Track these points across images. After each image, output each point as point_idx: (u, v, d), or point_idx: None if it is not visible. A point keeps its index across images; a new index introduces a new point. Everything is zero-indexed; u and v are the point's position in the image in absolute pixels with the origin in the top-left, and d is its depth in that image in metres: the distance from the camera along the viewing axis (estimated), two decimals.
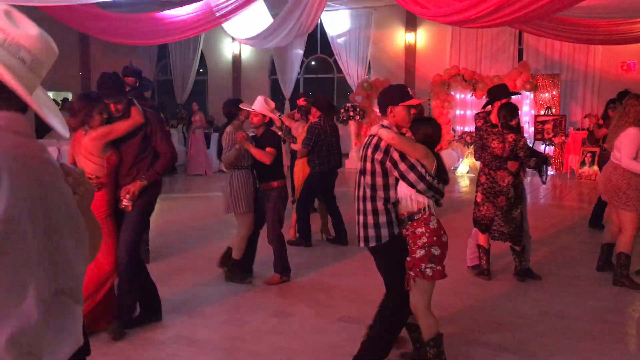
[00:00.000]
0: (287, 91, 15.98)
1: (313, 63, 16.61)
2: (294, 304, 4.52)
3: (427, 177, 3.07)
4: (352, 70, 15.17)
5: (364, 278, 4.95)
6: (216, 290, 4.92)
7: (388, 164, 3.11)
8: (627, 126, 4.85)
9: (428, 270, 3.07)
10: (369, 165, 3.18)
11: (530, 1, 3.83)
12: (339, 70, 15.59)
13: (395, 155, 3.09)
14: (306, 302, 4.55)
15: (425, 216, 3.11)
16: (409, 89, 3.43)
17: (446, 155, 13.00)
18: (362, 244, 3.25)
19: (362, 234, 3.23)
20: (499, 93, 5.15)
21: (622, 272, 4.88)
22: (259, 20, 8.85)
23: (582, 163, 11.27)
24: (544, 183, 5.46)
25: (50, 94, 16.97)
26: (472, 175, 12.40)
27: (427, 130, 3.21)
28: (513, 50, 13.43)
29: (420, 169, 3.07)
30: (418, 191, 3.09)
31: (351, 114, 13.10)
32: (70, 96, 17.90)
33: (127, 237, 3.81)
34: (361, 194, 3.23)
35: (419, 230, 3.10)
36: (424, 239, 3.09)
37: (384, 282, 3.32)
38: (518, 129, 5.02)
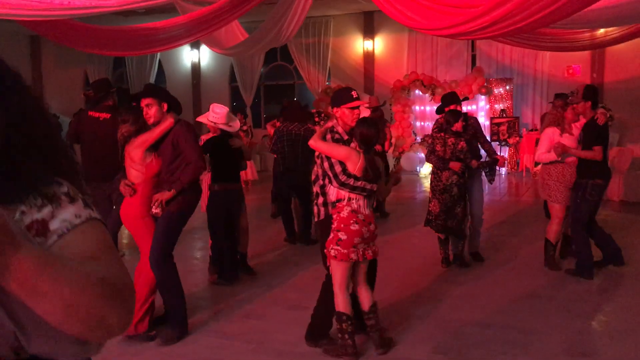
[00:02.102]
0: (248, 98, 16.17)
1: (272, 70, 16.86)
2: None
3: (341, 177, 3.57)
4: (313, 77, 15.53)
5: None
6: (231, 288, 5.18)
7: (319, 160, 3.77)
8: (546, 126, 5.69)
9: (332, 251, 3.61)
10: (314, 157, 3.89)
11: (525, 15, 4.24)
12: (300, 77, 15.91)
13: (323, 155, 3.70)
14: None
15: (340, 205, 3.63)
16: (354, 92, 3.90)
17: (406, 158, 13.55)
18: (315, 218, 3.96)
19: (314, 209, 3.95)
20: (448, 100, 5.93)
21: (548, 256, 5.72)
22: (235, 33, 9.08)
23: (537, 163, 12.02)
24: (490, 182, 6.18)
25: None
26: None
27: (363, 130, 3.65)
28: (467, 57, 14.12)
29: (336, 168, 3.59)
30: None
31: (316, 119, 13.43)
32: None
33: (156, 242, 3.98)
34: (313, 178, 3.94)
35: (334, 216, 3.66)
36: (335, 224, 3.63)
37: None
38: (459, 133, 5.61)
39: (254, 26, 11.71)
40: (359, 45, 15.32)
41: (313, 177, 3.94)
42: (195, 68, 16.92)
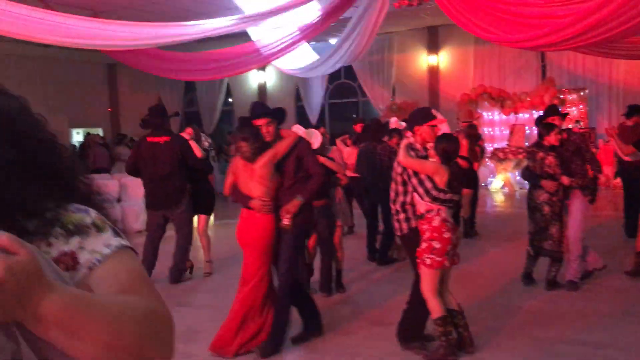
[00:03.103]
0: (313, 117, 16.39)
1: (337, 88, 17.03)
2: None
3: (433, 192, 3.76)
4: (377, 94, 15.59)
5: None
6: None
7: (405, 177, 3.93)
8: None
9: (427, 260, 3.77)
10: (393, 174, 4.07)
11: (614, 25, 4.13)
12: (364, 95, 16.01)
13: (410, 171, 3.88)
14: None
15: (430, 216, 3.80)
16: (433, 110, 4.19)
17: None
18: (397, 232, 4.18)
19: (395, 225, 4.13)
20: (547, 112, 5.68)
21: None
22: (304, 55, 9.29)
23: (616, 174, 11.54)
24: (590, 202, 5.51)
25: (80, 131, 17.27)
26: (506, 190, 12.69)
27: (444, 146, 3.84)
28: (537, 67, 13.81)
29: (427, 185, 3.78)
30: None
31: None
32: (101, 132, 18.39)
33: (287, 256, 4.10)
34: (392, 196, 4.09)
35: (425, 227, 3.82)
36: (427, 234, 3.79)
37: None
38: (553, 147, 5.26)
39: (323, 46, 11.93)
40: (423, 60, 15.28)
41: (392, 194, 4.10)
42: (262, 89, 17.34)
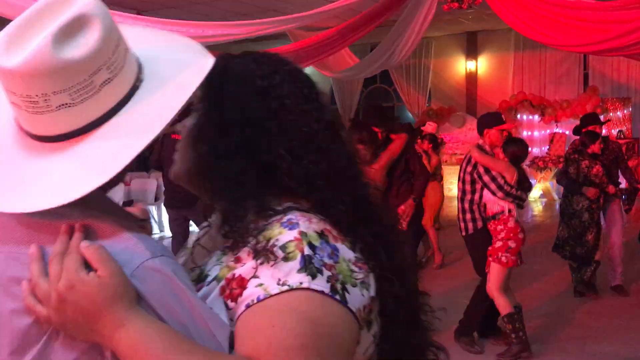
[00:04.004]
0: (347, 121, 16.30)
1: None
2: None
3: (505, 187, 3.86)
4: (413, 99, 15.42)
5: None
6: None
7: (475, 175, 4.03)
8: None
9: (503, 258, 3.90)
10: (461, 174, 4.16)
11: None
12: (399, 99, 15.86)
13: (481, 169, 3.98)
14: None
15: (505, 217, 3.92)
16: (502, 115, 4.48)
17: None
18: (462, 232, 4.25)
19: (460, 225, 4.22)
20: (587, 121, 5.70)
21: None
22: (343, 57, 9.24)
23: None
24: (626, 212, 5.80)
25: None
26: (545, 200, 12.42)
27: (514, 149, 4.08)
28: (578, 75, 13.50)
29: (499, 181, 3.89)
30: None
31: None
32: None
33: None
34: (459, 195, 4.20)
35: (499, 227, 3.94)
36: (503, 234, 3.92)
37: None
38: (596, 156, 5.28)
39: (361, 49, 11.85)
40: (462, 65, 15.07)
41: (459, 194, 4.21)
42: None
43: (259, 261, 0.78)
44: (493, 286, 3.95)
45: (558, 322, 4.84)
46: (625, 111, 12.25)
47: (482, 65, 14.89)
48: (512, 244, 3.92)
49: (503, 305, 3.93)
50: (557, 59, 13.57)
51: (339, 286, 0.78)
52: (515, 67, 14.22)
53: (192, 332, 0.76)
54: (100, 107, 0.80)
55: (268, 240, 0.80)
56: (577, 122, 12.61)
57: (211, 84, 0.86)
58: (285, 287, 0.76)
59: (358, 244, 0.85)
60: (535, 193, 12.66)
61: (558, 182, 5.68)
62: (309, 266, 0.77)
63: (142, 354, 0.71)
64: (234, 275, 0.80)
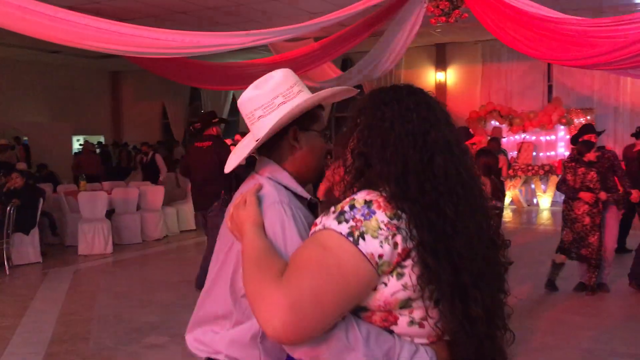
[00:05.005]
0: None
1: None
2: None
3: None
4: None
5: None
6: None
7: None
8: None
9: None
10: None
11: None
12: None
13: None
14: None
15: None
16: (471, 129, 4.38)
17: None
18: None
19: None
20: (584, 130, 5.97)
21: None
22: (325, 70, 9.40)
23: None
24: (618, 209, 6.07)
25: (80, 138, 17.10)
26: (514, 207, 12.86)
27: (486, 160, 4.17)
28: (543, 87, 14.06)
29: None
30: None
31: None
32: (102, 139, 18.27)
33: None
34: None
35: None
36: None
37: None
38: (592, 163, 5.64)
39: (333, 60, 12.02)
40: (431, 77, 15.47)
41: None
42: None
43: (323, 214, 1.21)
44: None
45: (540, 321, 5.08)
46: (587, 120, 12.82)
47: (450, 76, 15.32)
48: None
49: None
50: (522, 71, 14.11)
51: (357, 233, 1.13)
52: (483, 78, 14.70)
53: (282, 250, 1.32)
54: (277, 117, 1.48)
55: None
56: (543, 132, 13.18)
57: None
58: (321, 227, 1.18)
59: (404, 218, 1.17)
60: (505, 200, 13.08)
61: (558, 189, 6.00)
62: (339, 217, 1.16)
63: (246, 249, 1.28)
64: (315, 223, 1.23)
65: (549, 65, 13.84)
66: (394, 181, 1.19)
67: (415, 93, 1.32)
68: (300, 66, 8.58)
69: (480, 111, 13.54)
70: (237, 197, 1.47)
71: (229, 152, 6.27)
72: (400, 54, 8.15)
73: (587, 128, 6.07)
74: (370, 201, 1.16)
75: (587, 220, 5.61)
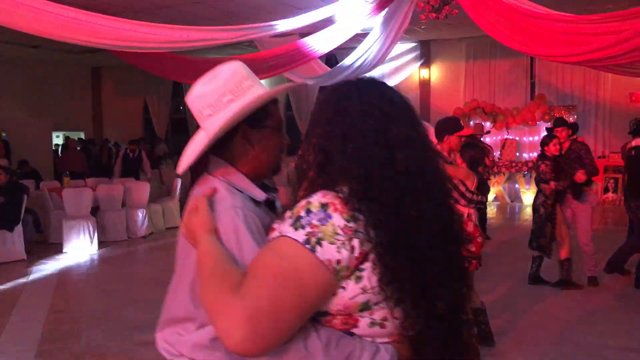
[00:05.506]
0: (303, 126, 16.45)
1: None
2: None
3: (467, 194, 3.89)
4: None
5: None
6: None
7: None
8: None
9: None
10: None
11: None
12: None
13: None
14: None
15: (464, 221, 3.81)
16: (461, 121, 4.49)
17: None
18: None
19: None
20: (555, 123, 6.11)
21: None
22: (311, 66, 9.40)
23: (606, 189, 11.96)
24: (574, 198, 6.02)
25: (60, 134, 16.82)
26: (498, 203, 13.00)
27: (472, 153, 4.16)
28: (526, 84, 14.20)
29: (461, 188, 3.88)
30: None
31: None
32: (83, 136, 18.00)
33: None
34: None
35: None
36: None
37: None
38: (544, 156, 5.79)
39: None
40: (415, 74, 15.53)
41: None
42: None
43: (279, 219, 1.18)
44: None
45: (529, 315, 5.15)
46: (571, 118, 12.99)
47: (434, 73, 15.40)
48: (472, 247, 3.89)
49: None
50: (505, 68, 14.25)
51: (313, 240, 1.10)
52: (467, 75, 14.81)
53: (237, 257, 1.26)
54: (226, 115, 1.42)
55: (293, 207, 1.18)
56: (527, 128, 13.29)
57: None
58: (277, 234, 1.15)
59: (362, 219, 1.14)
60: (489, 196, 13.22)
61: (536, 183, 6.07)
62: (296, 223, 1.13)
63: (201, 258, 1.23)
64: (273, 228, 1.20)
65: (531, 62, 14.00)
66: (354, 178, 1.17)
67: (378, 87, 1.29)
68: (286, 63, 8.56)
69: (464, 108, 13.64)
70: (190, 201, 1.39)
71: None
72: (389, 50, 8.14)
73: (556, 122, 6.12)
74: (327, 204, 1.14)
75: (542, 210, 5.78)
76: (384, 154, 1.18)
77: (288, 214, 1.16)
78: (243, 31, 6.15)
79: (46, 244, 8.90)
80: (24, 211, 7.90)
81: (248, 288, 1.07)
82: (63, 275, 7.10)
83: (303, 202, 1.16)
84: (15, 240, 7.68)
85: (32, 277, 6.96)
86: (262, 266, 1.11)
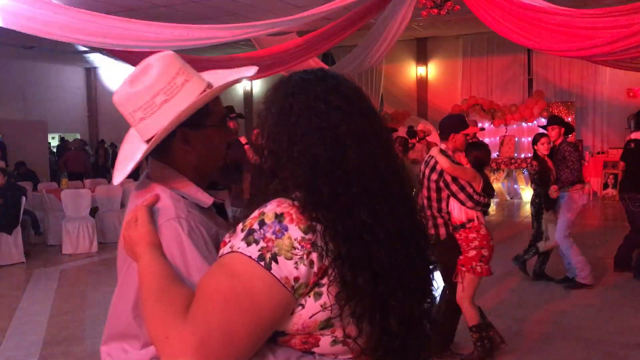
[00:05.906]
0: None
1: None
2: None
3: (475, 196, 3.75)
4: None
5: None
6: None
7: (441, 184, 3.86)
8: None
9: (478, 268, 3.78)
10: (425, 182, 3.96)
11: None
12: None
13: (448, 178, 3.82)
14: None
15: (476, 224, 3.80)
16: (467, 119, 4.26)
17: None
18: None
19: (431, 232, 3.95)
20: (549, 121, 6.01)
21: None
22: (311, 64, 9.33)
23: (605, 185, 11.96)
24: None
25: (55, 136, 16.77)
26: (497, 200, 12.99)
27: (477, 154, 4.02)
28: (523, 80, 14.21)
29: (468, 190, 3.77)
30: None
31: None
32: (78, 137, 17.88)
33: None
34: (425, 203, 4.00)
35: (471, 235, 3.81)
36: (476, 242, 3.79)
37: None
38: (535, 155, 5.83)
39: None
40: (412, 71, 15.52)
41: (423, 202, 4.00)
42: (248, 96, 17.27)
43: (231, 231, 1.07)
44: (465, 296, 3.84)
45: (538, 312, 5.12)
46: (569, 118, 12.99)
47: (432, 70, 15.40)
48: (485, 252, 3.80)
49: (472, 316, 3.86)
50: (503, 65, 14.26)
51: (268, 256, 0.99)
52: (464, 72, 14.80)
53: (183, 274, 1.15)
54: (166, 117, 1.27)
55: (245, 217, 1.07)
56: (525, 125, 13.29)
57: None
58: (229, 249, 1.03)
59: (319, 230, 1.03)
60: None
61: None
62: (248, 237, 1.02)
63: (143, 276, 1.11)
64: (224, 241, 1.08)
65: (528, 59, 14.01)
66: (304, 185, 1.07)
67: (326, 79, 1.15)
68: (284, 62, 8.51)
69: (462, 105, 13.61)
70: (129, 212, 1.27)
71: (243, 150, 6.08)
72: (389, 47, 8.10)
73: (549, 119, 5.99)
74: (282, 214, 1.03)
75: (531, 208, 6.05)
76: (334, 154, 1.07)
77: (240, 226, 1.05)
78: (241, 29, 6.09)
79: (45, 245, 8.82)
80: (23, 213, 7.82)
81: (197, 311, 0.98)
82: (64, 278, 7.03)
83: (256, 213, 1.05)
84: (14, 243, 7.60)
85: (32, 280, 6.89)
86: (212, 286, 1.00)
